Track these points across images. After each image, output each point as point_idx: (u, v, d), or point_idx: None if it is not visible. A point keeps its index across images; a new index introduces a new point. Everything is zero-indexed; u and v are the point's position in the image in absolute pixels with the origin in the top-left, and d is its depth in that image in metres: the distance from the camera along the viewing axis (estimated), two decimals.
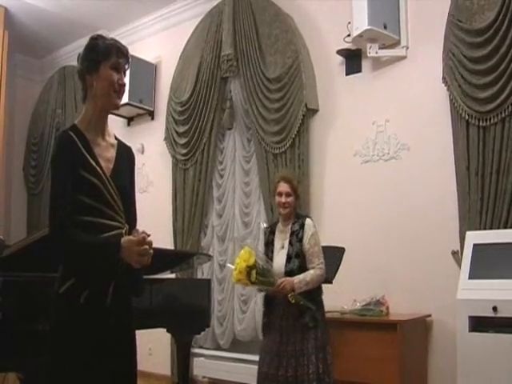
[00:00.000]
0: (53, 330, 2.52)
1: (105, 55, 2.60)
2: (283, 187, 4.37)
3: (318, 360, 4.10)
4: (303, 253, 4.25)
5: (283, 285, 4.06)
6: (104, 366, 2.50)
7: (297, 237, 4.28)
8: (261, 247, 4.91)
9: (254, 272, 3.94)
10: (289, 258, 4.25)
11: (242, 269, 3.93)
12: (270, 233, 4.48)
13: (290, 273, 4.18)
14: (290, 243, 4.29)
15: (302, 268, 4.21)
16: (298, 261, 4.22)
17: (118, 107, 2.72)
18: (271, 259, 4.31)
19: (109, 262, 2.49)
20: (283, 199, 4.34)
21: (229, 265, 4.46)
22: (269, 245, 4.44)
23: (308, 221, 4.37)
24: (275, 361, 4.14)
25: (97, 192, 2.53)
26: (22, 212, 9.58)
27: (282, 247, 4.33)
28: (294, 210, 4.42)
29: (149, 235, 2.50)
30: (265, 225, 4.69)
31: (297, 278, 4.12)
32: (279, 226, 4.46)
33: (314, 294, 4.23)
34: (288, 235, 4.34)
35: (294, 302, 4.04)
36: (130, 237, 2.49)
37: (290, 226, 4.36)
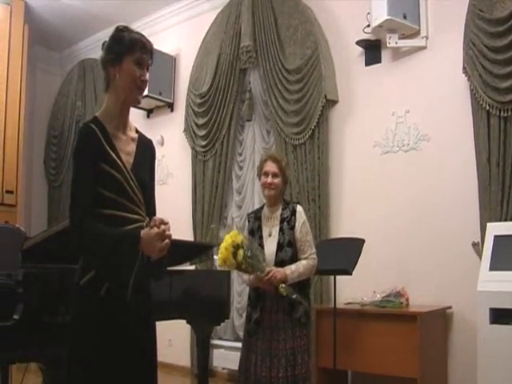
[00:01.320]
0: (73, 322, 2.54)
1: (129, 49, 2.59)
2: (270, 167, 4.05)
3: (308, 359, 3.94)
4: (295, 242, 3.96)
5: (273, 273, 3.74)
6: (124, 358, 2.51)
7: (288, 224, 3.98)
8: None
9: (240, 251, 3.63)
10: (280, 247, 3.94)
11: (228, 245, 3.63)
12: (255, 219, 4.14)
13: (281, 263, 3.88)
14: (281, 231, 3.97)
15: (294, 258, 3.93)
16: (290, 250, 3.93)
17: (139, 102, 2.73)
18: (259, 246, 3.96)
19: (128, 254, 2.49)
20: (269, 179, 4.02)
21: (215, 256, 3.95)
22: (254, 232, 4.08)
23: (299, 207, 4.09)
24: (267, 361, 3.83)
25: (118, 185, 2.53)
26: (42, 204, 9.66)
27: (270, 235, 4.01)
28: (280, 195, 4.12)
29: (167, 223, 2.50)
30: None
31: (289, 269, 3.83)
32: (265, 211, 4.14)
33: (304, 287, 4.01)
34: (277, 222, 4.02)
35: (285, 294, 3.74)
36: (149, 229, 2.48)
37: (278, 212, 4.05)
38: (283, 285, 3.73)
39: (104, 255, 2.49)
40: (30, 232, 5.63)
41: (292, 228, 3.97)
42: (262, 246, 3.97)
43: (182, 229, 6.68)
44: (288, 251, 3.92)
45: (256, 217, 4.15)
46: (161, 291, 4.43)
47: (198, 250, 5.65)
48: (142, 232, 2.46)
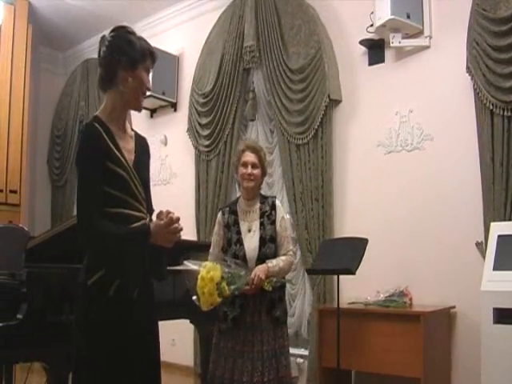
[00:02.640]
0: (80, 322, 2.54)
1: (142, 57, 2.63)
2: (249, 157, 3.87)
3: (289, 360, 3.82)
4: (276, 237, 3.83)
5: (258, 278, 3.59)
6: (129, 357, 2.52)
7: (268, 218, 3.85)
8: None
9: (224, 284, 3.38)
10: (263, 242, 3.78)
11: (212, 290, 3.35)
12: (230, 213, 3.92)
13: (264, 258, 3.74)
14: (262, 226, 3.82)
15: (276, 254, 3.81)
16: (273, 246, 3.80)
17: (140, 110, 2.78)
18: (238, 242, 3.80)
19: (139, 250, 2.50)
20: (249, 170, 3.84)
21: (194, 298, 3.53)
22: (230, 226, 3.87)
23: (278, 202, 3.96)
24: (248, 365, 3.63)
25: (123, 183, 2.54)
26: (46, 204, 9.66)
27: (250, 230, 3.83)
28: (259, 188, 3.97)
29: (173, 214, 2.52)
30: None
31: (269, 262, 3.71)
32: (241, 205, 3.95)
33: (283, 287, 3.91)
34: (256, 216, 3.86)
35: (270, 289, 3.65)
36: (158, 221, 2.50)
37: (257, 207, 3.89)
38: (266, 282, 3.63)
39: (114, 253, 2.49)
40: (33, 232, 5.63)
41: (273, 223, 3.84)
42: (240, 241, 3.81)
43: (185, 228, 6.66)
44: (271, 247, 3.80)
45: (231, 210, 3.94)
46: (164, 291, 4.43)
47: (202, 249, 5.65)
48: (151, 225, 2.50)
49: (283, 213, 3.93)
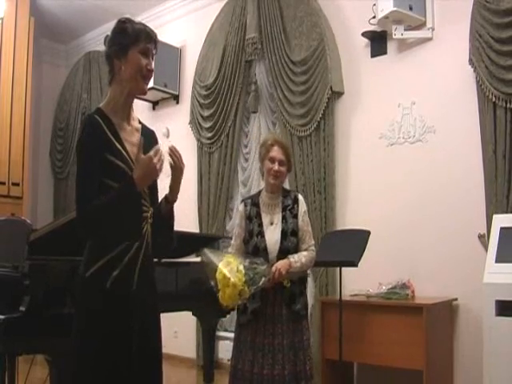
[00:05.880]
0: (79, 314, 2.55)
1: (134, 40, 2.58)
2: (278, 153, 3.82)
3: (311, 356, 3.78)
4: (298, 231, 3.79)
5: (278, 273, 3.55)
6: (129, 349, 2.52)
7: (291, 212, 3.80)
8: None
9: (245, 289, 3.32)
10: (284, 235, 3.73)
11: (233, 295, 3.31)
12: (253, 205, 3.88)
13: (285, 252, 3.70)
14: (284, 219, 3.78)
15: (298, 248, 3.77)
16: (295, 239, 3.75)
17: (145, 92, 2.71)
18: (259, 234, 3.76)
19: (131, 201, 2.51)
20: (276, 167, 3.78)
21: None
22: (252, 218, 3.83)
23: (300, 196, 3.92)
24: (268, 358, 3.60)
25: (123, 176, 2.52)
26: (48, 196, 9.70)
27: (271, 223, 3.79)
28: (282, 183, 3.93)
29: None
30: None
31: (291, 257, 3.67)
32: (263, 198, 3.89)
33: (303, 281, 3.89)
34: (279, 210, 3.82)
35: (289, 285, 3.65)
36: (136, 166, 2.53)
37: (279, 200, 3.85)
38: (286, 281, 3.62)
39: (112, 214, 2.48)
40: (36, 224, 5.63)
41: (295, 216, 3.80)
42: (261, 233, 3.76)
43: (187, 221, 6.69)
44: (293, 240, 3.74)
45: (253, 203, 3.89)
46: (167, 283, 4.44)
47: (204, 241, 5.66)
48: (133, 173, 2.51)
49: (305, 207, 3.90)
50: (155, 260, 2.83)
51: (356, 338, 4.94)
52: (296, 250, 3.76)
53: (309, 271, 4.38)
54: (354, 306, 5.08)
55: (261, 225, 3.79)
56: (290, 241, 3.74)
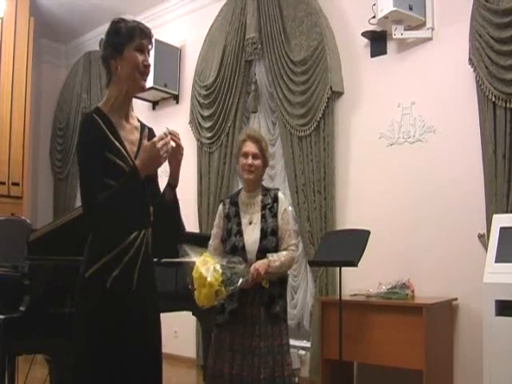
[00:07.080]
0: (79, 314, 2.55)
1: (128, 38, 2.59)
2: (250, 147, 3.74)
3: (290, 361, 3.66)
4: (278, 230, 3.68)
5: (257, 273, 3.45)
6: (129, 349, 2.53)
7: (270, 211, 3.70)
8: None
9: (222, 289, 3.20)
10: (264, 235, 3.64)
11: (210, 295, 3.20)
12: (231, 204, 3.81)
13: (264, 251, 3.60)
14: (263, 218, 3.69)
15: (277, 248, 3.67)
16: (274, 239, 3.65)
17: (143, 89, 2.71)
18: (238, 233, 3.68)
19: (136, 190, 2.53)
20: (249, 161, 3.70)
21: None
22: (231, 217, 3.75)
23: (281, 194, 3.81)
24: (248, 360, 3.51)
25: (122, 174, 2.53)
26: (48, 196, 9.68)
27: (251, 222, 3.71)
28: (260, 179, 3.84)
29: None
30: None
31: (270, 256, 3.57)
32: (242, 197, 3.82)
33: (284, 282, 3.77)
34: (258, 209, 3.73)
35: (267, 285, 3.57)
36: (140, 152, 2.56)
37: (258, 199, 3.76)
38: (264, 281, 3.54)
39: (119, 204, 2.50)
40: (35, 224, 5.63)
41: (275, 215, 3.70)
42: (240, 232, 3.68)
43: (187, 221, 6.64)
44: (272, 240, 3.65)
45: (232, 202, 3.82)
46: (167, 283, 4.44)
47: (204, 241, 5.66)
48: (136, 162, 2.54)
49: (286, 205, 3.80)
50: (155, 260, 2.83)
51: (356, 337, 4.94)
52: (276, 249, 3.66)
53: (290, 271, 4.26)
54: (354, 306, 5.07)
55: (240, 224, 3.72)
56: (270, 240, 3.65)
